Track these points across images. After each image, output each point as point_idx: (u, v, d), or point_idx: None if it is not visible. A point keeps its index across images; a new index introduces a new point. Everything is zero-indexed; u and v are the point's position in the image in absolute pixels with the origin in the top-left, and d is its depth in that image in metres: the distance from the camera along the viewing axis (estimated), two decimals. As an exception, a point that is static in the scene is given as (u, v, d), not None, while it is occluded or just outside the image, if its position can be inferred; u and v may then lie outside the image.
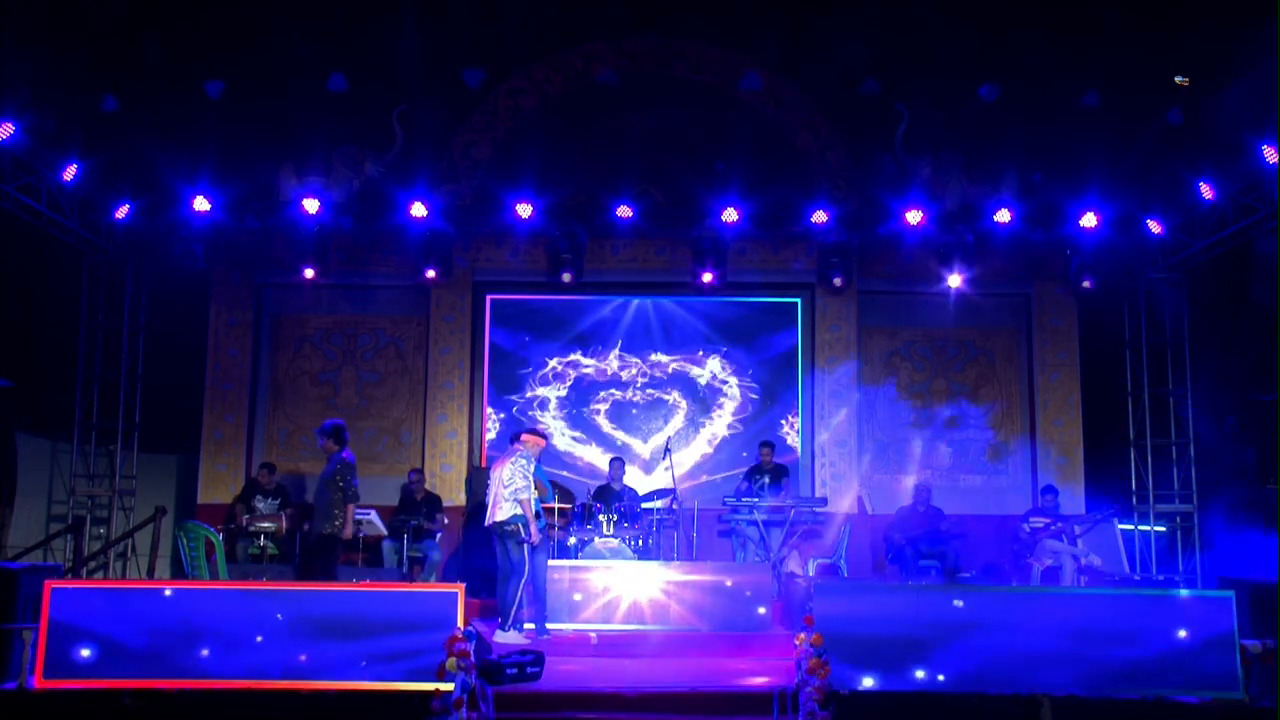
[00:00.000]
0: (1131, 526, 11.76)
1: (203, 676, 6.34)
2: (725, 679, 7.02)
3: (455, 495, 11.72)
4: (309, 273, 11.18)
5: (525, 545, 8.34)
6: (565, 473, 11.75)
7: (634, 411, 12.26)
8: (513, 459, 8.53)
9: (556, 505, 10.11)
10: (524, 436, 8.76)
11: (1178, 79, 9.83)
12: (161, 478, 12.06)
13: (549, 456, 11.46)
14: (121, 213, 10.65)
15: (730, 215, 10.72)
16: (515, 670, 6.65)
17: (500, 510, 8.43)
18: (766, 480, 11.08)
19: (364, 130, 11.00)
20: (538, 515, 8.59)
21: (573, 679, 6.93)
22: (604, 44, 11.71)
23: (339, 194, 10.92)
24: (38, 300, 10.88)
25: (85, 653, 6.38)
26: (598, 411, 12.24)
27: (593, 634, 8.70)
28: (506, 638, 8.11)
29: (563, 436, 12.10)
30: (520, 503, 8.34)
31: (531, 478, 8.51)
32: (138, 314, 11.77)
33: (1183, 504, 11.63)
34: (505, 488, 8.41)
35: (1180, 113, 10.19)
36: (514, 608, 8.28)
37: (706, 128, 11.77)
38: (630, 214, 10.91)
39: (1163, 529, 11.74)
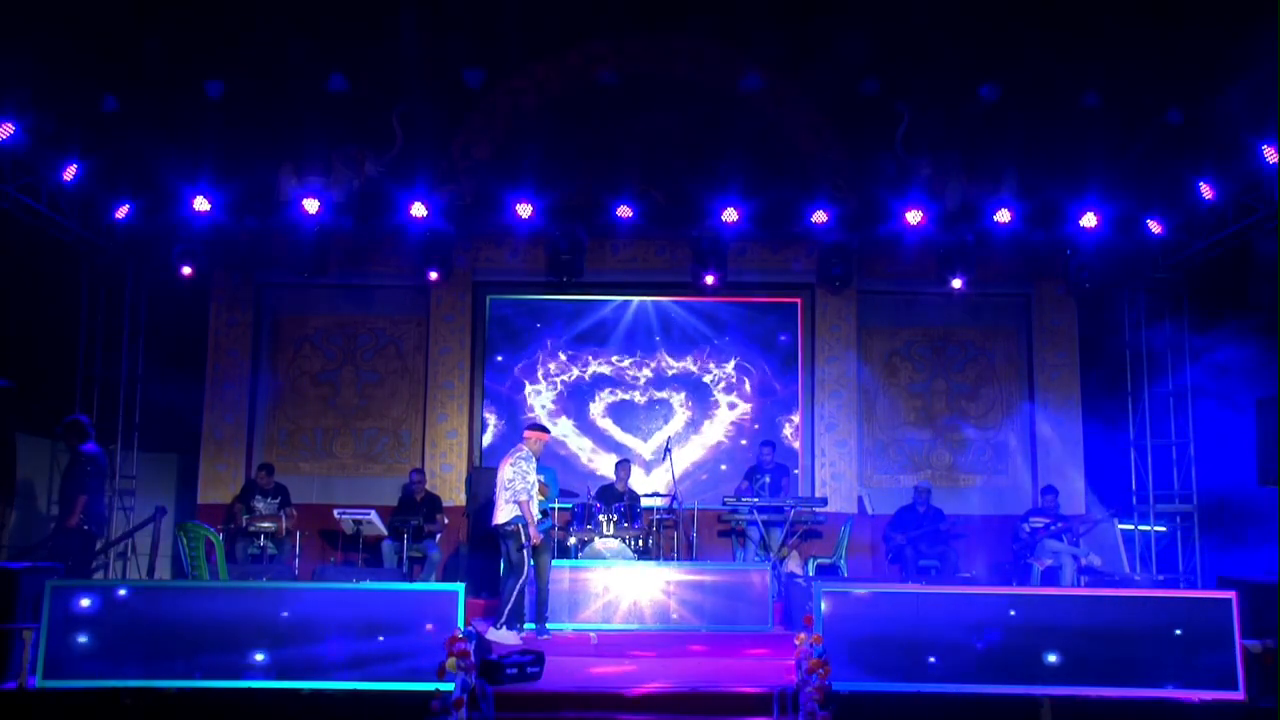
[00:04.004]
0: (1131, 526, 11.76)
1: (202, 676, 6.34)
2: (725, 679, 7.02)
3: (455, 495, 11.72)
4: (308, 272, 11.18)
5: (526, 547, 8.33)
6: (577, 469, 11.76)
7: (634, 411, 12.26)
8: (514, 459, 8.52)
9: (557, 506, 10.12)
10: (526, 433, 8.77)
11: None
12: (161, 478, 12.06)
13: (554, 456, 11.49)
14: (121, 213, 10.65)
15: (730, 215, 10.72)
16: (515, 670, 6.66)
17: (501, 512, 8.43)
18: (766, 480, 11.08)
19: (364, 130, 11.00)
20: (545, 515, 8.58)
21: (573, 679, 6.93)
22: (604, 44, 11.70)
23: (339, 194, 10.92)
24: (38, 300, 10.87)
25: (85, 653, 6.38)
26: (598, 411, 12.24)
27: (593, 634, 8.70)
28: (499, 635, 8.10)
29: (563, 436, 12.09)
30: (520, 504, 8.33)
31: (533, 478, 8.49)
32: (138, 314, 11.77)
33: (1183, 504, 11.63)
34: (505, 490, 8.41)
35: (1180, 113, 10.19)
36: (508, 607, 8.27)
37: (706, 128, 11.75)
38: (630, 214, 10.91)
39: (1163, 529, 11.74)
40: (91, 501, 9.18)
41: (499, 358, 12.29)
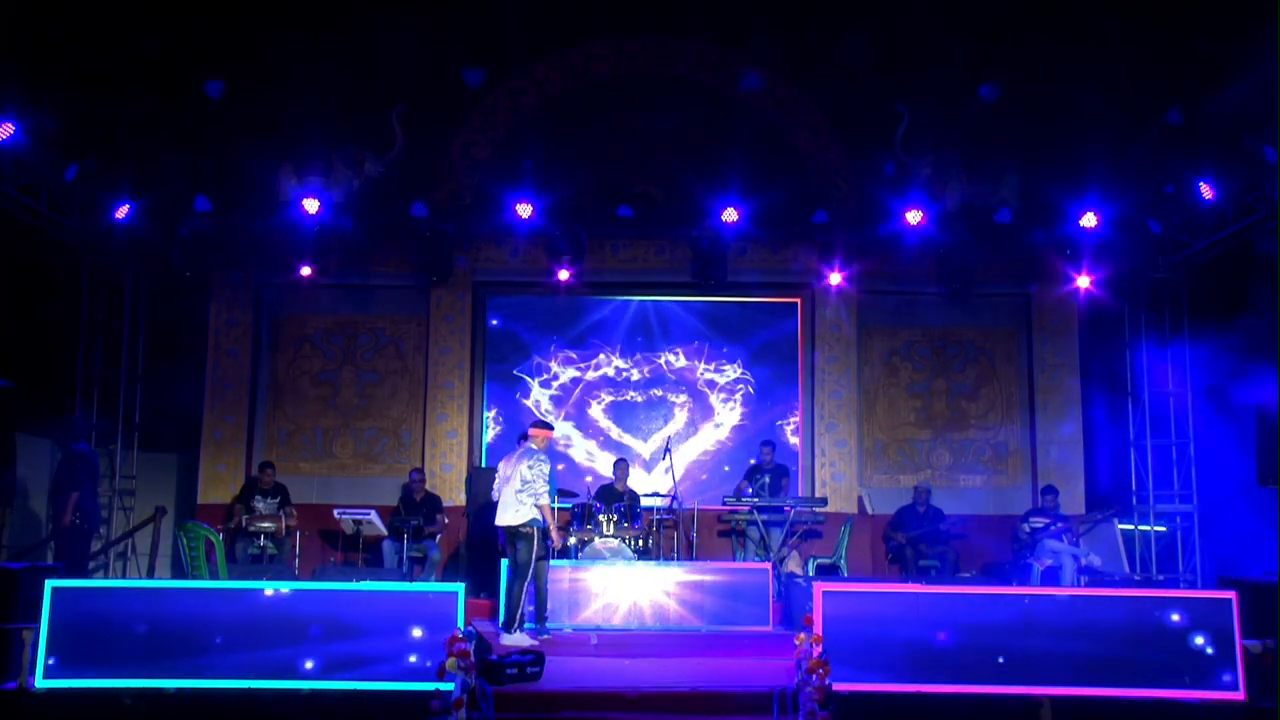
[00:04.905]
0: (1131, 526, 11.76)
1: (203, 676, 6.34)
2: (725, 679, 7.01)
3: (455, 495, 11.72)
4: (308, 271, 11.18)
5: (536, 549, 8.29)
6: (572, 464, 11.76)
7: (634, 411, 12.27)
8: (530, 459, 8.39)
9: (557, 506, 10.09)
10: (531, 431, 8.72)
11: None
12: (161, 478, 12.07)
13: (553, 455, 11.47)
14: (121, 213, 10.65)
15: (730, 215, 10.72)
16: (515, 670, 6.65)
17: (519, 511, 8.32)
18: (766, 480, 11.08)
19: (364, 130, 11.00)
20: None
21: (573, 679, 6.92)
22: (604, 44, 11.71)
23: (339, 194, 10.91)
24: (38, 300, 10.88)
25: (85, 653, 6.37)
26: (598, 411, 12.24)
27: (593, 634, 8.70)
28: (513, 639, 8.06)
29: (562, 436, 12.08)
30: (540, 507, 8.28)
31: (550, 479, 8.46)
32: (138, 314, 11.78)
33: (1183, 504, 11.63)
34: (522, 490, 8.32)
35: (1180, 113, 10.19)
36: (519, 610, 8.26)
37: (706, 128, 11.77)
38: (630, 214, 10.91)
39: (1163, 529, 11.74)
40: (84, 498, 9.30)
41: (499, 358, 12.29)
